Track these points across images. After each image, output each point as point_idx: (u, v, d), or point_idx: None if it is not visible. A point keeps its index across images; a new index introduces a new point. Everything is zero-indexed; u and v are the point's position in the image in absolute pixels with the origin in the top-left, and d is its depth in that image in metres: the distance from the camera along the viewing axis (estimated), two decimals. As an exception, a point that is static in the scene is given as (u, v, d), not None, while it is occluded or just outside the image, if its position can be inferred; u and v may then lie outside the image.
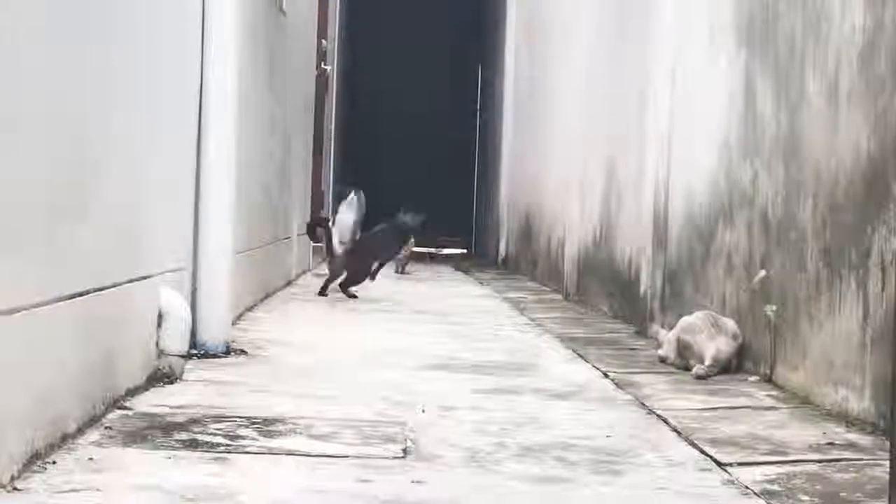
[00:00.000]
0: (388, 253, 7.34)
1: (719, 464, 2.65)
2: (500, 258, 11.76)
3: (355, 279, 6.77)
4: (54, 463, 2.32)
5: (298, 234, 8.10)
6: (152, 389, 3.25)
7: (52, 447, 2.38)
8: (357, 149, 14.85)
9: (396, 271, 9.12)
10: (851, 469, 2.63)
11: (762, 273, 3.96)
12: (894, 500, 2.00)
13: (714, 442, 2.87)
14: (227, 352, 4.07)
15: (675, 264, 5.11)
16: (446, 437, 2.81)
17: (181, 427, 2.77)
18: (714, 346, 3.99)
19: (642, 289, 5.60)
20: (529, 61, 10.61)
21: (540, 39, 9.98)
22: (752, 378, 3.93)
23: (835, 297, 3.36)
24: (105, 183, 2.83)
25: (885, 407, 2.94)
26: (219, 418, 2.89)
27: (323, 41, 9.54)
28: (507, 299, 7.30)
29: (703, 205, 4.73)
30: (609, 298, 6.42)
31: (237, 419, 2.89)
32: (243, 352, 4.14)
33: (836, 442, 2.92)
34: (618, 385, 3.80)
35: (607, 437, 2.92)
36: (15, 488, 2.12)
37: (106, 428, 2.69)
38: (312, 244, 9.14)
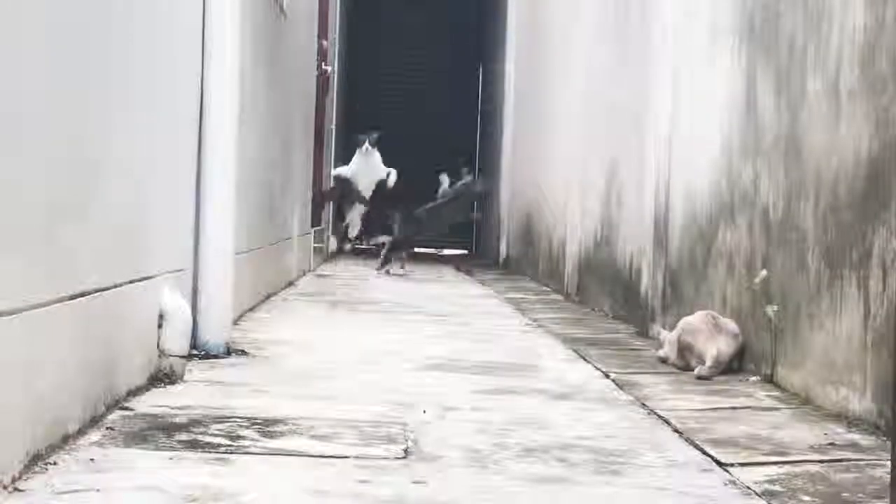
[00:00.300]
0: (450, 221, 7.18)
1: (720, 464, 2.64)
2: (500, 258, 11.76)
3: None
4: (55, 464, 2.32)
5: (299, 235, 8.10)
6: (153, 390, 3.25)
7: (52, 448, 2.38)
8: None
9: (380, 270, 9.12)
10: (853, 469, 2.62)
11: (763, 273, 3.96)
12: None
13: (715, 442, 2.87)
14: (228, 352, 4.07)
15: (676, 264, 5.11)
16: (447, 438, 2.81)
17: (182, 428, 2.76)
18: (715, 347, 3.99)
19: (643, 289, 5.60)
20: (530, 61, 10.61)
21: (540, 40, 9.98)
22: (753, 378, 3.93)
23: (836, 297, 3.36)
24: (105, 183, 2.83)
25: (887, 407, 2.94)
26: (220, 419, 2.89)
27: (323, 41, 9.54)
28: (507, 300, 7.30)
29: (704, 205, 4.73)
30: (610, 299, 6.42)
31: (238, 420, 2.89)
32: (244, 352, 4.14)
33: (838, 442, 2.92)
34: (618, 385, 3.80)
35: (608, 437, 2.92)
36: (16, 489, 2.11)
37: (107, 429, 2.69)
38: (315, 243, 9.13)
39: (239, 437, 2.69)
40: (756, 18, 4.19)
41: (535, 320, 5.96)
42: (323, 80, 9.65)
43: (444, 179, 11.11)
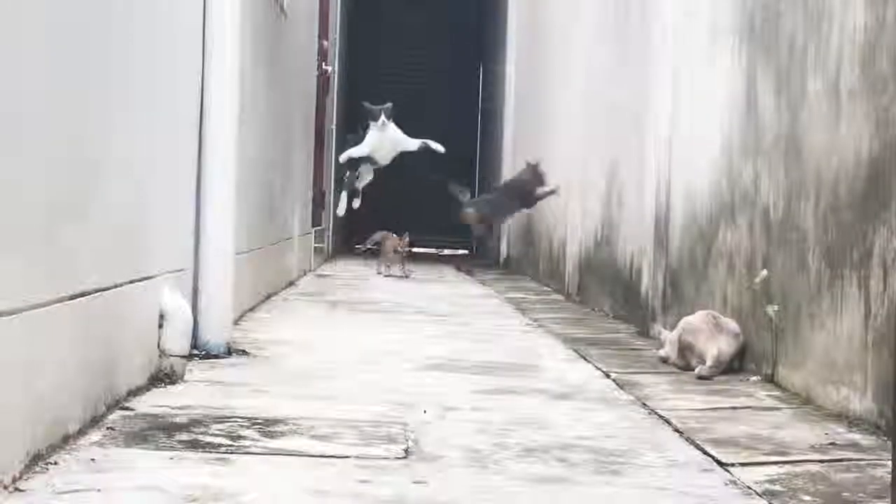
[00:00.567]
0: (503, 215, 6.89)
1: (721, 464, 2.64)
2: (501, 258, 11.76)
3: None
4: (56, 463, 2.32)
5: (299, 235, 8.10)
6: (154, 390, 3.25)
7: (53, 448, 2.38)
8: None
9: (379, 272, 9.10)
10: (853, 469, 2.62)
11: (764, 273, 3.96)
12: (897, 500, 2.00)
13: (716, 442, 2.86)
14: (229, 352, 4.07)
15: (677, 264, 5.11)
16: (447, 438, 2.81)
17: (183, 427, 2.76)
18: (715, 347, 3.99)
19: (643, 289, 5.60)
20: (530, 61, 10.61)
21: (540, 40, 9.98)
22: (754, 378, 3.93)
23: (836, 296, 3.36)
24: (105, 183, 2.83)
25: (887, 407, 2.94)
26: (220, 419, 2.89)
27: (324, 41, 9.54)
28: (508, 299, 7.30)
29: (705, 205, 4.73)
30: (610, 299, 6.42)
31: (238, 420, 2.89)
32: (244, 352, 4.14)
33: (838, 442, 2.92)
34: (619, 385, 3.80)
35: (608, 437, 2.92)
36: (17, 489, 2.11)
37: (107, 428, 2.69)
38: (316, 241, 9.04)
39: (239, 437, 2.69)
40: (756, 18, 4.19)
41: (535, 320, 5.96)
42: (323, 80, 9.65)
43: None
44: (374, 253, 9.45)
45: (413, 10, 16.06)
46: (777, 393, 3.67)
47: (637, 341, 5.10)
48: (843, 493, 2.40)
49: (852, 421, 3.16)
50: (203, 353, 3.97)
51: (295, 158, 7.78)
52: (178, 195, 3.81)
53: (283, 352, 4.27)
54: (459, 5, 16.06)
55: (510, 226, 11.46)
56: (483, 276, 9.81)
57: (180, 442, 2.61)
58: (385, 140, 7.64)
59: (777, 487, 2.43)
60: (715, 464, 2.65)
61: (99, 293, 2.74)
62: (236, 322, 4.66)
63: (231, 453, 2.53)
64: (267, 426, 2.83)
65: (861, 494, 2.40)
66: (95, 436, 2.60)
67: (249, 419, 2.91)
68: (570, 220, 7.87)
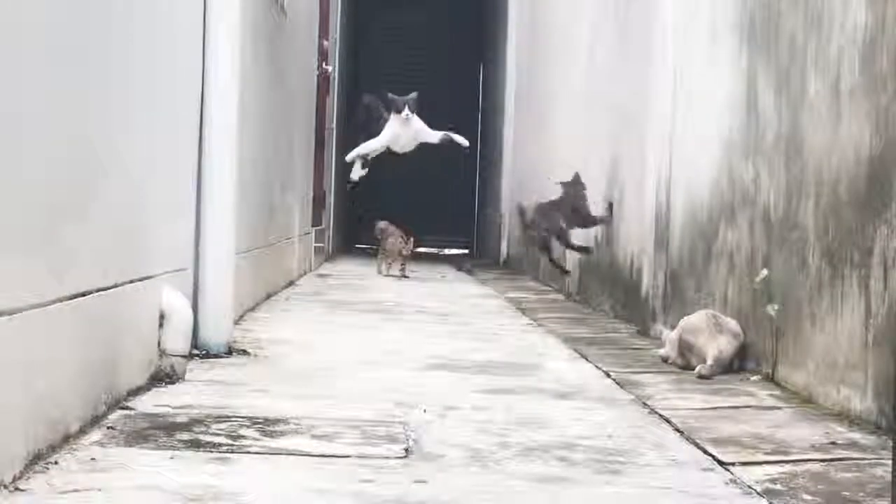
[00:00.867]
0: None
1: (721, 463, 2.64)
2: (501, 258, 11.76)
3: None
4: (56, 463, 2.32)
5: (300, 235, 8.10)
6: (154, 390, 3.25)
7: (53, 447, 2.38)
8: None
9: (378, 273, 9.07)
10: (854, 468, 2.62)
11: (764, 272, 3.96)
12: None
13: (716, 441, 2.86)
14: (229, 352, 4.07)
15: (677, 264, 5.11)
16: (448, 437, 2.81)
17: (183, 427, 2.76)
18: (716, 346, 3.99)
19: (644, 288, 5.60)
20: (530, 61, 10.61)
21: (541, 39, 9.98)
22: (754, 377, 3.93)
23: (837, 296, 3.36)
24: (105, 183, 2.83)
25: (888, 406, 2.94)
26: (221, 418, 2.89)
27: (324, 41, 9.54)
28: (508, 299, 7.30)
29: (705, 204, 4.73)
30: (611, 298, 6.42)
31: (239, 419, 2.89)
32: (245, 352, 4.14)
33: (839, 441, 2.92)
34: (619, 385, 3.80)
35: (609, 436, 2.92)
36: (17, 488, 2.12)
37: (108, 428, 2.69)
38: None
39: (240, 437, 2.69)
40: (756, 17, 4.19)
41: (535, 320, 5.96)
42: (323, 80, 9.65)
43: None
44: (373, 254, 9.42)
45: (413, 10, 16.05)
46: (777, 392, 3.67)
47: (637, 341, 5.10)
48: (844, 493, 2.40)
49: (853, 420, 3.16)
50: (203, 352, 3.97)
51: (295, 158, 7.78)
52: (178, 195, 3.81)
53: (284, 351, 4.27)
54: (459, 5, 16.06)
55: (511, 225, 11.46)
56: (483, 275, 9.81)
57: (181, 441, 2.61)
58: (406, 135, 7.14)
59: (777, 487, 2.43)
60: (715, 463, 2.65)
61: (99, 293, 2.74)
62: (237, 322, 4.66)
63: (231, 453, 2.53)
64: (267, 426, 2.83)
65: (861, 494, 2.39)
66: (96, 435, 2.60)
67: (250, 419, 2.91)
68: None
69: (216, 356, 3.98)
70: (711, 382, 3.86)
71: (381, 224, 9.23)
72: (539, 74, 9.94)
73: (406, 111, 6.60)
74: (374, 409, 3.14)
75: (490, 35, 14.59)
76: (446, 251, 14.38)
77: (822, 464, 2.66)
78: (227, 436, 2.69)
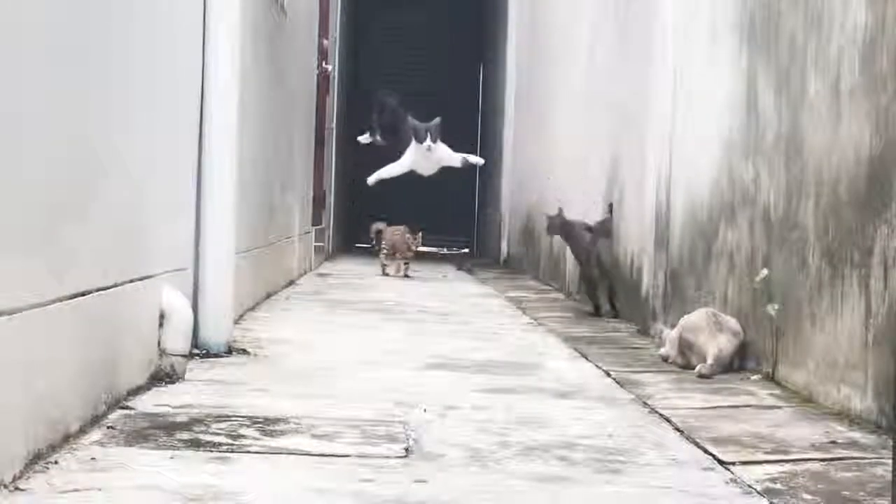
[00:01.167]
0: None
1: (722, 463, 2.64)
2: (502, 257, 11.76)
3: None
4: (56, 463, 2.32)
5: (300, 234, 8.10)
6: (154, 389, 3.25)
7: (53, 447, 2.38)
8: (358, 148, 14.83)
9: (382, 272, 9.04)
10: (854, 468, 2.62)
11: (764, 272, 3.95)
12: (897, 498, 2.00)
13: (716, 441, 2.86)
14: (229, 351, 4.07)
15: (677, 263, 5.11)
16: (448, 437, 2.81)
17: (183, 427, 2.76)
18: (716, 345, 3.99)
19: (644, 288, 5.60)
20: (530, 61, 10.62)
21: (541, 39, 9.98)
22: (755, 377, 3.93)
23: (837, 295, 3.36)
24: (105, 183, 2.83)
25: (888, 405, 2.94)
26: (221, 418, 2.89)
27: (324, 40, 9.54)
28: (508, 298, 7.30)
29: (705, 204, 4.73)
30: (610, 297, 6.41)
31: (239, 419, 2.89)
32: (245, 351, 4.14)
33: (839, 440, 2.92)
34: (620, 384, 3.80)
35: (609, 436, 2.92)
36: (17, 488, 2.12)
37: (108, 428, 2.69)
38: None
39: (240, 436, 2.69)
40: (756, 17, 4.19)
41: (536, 319, 5.96)
42: (323, 79, 9.65)
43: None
44: (373, 253, 9.40)
45: (413, 10, 16.05)
46: (778, 391, 3.67)
47: (638, 340, 5.10)
48: (844, 492, 2.40)
49: (853, 419, 3.16)
50: (203, 352, 3.97)
51: (295, 157, 7.78)
52: (178, 194, 3.81)
53: (284, 351, 4.27)
54: (459, 5, 16.06)
55: (511, 224, 11.46)
56: (483, 274, 9.80)
57: (181, 441, 2.61)
58: (429, 161, 6.92)
59: (778, 486, 2.43)
60: (716, 462, 2.65)
61: (99, 293, 2.74)
62: (237, 321, 4.66)
63: (231, 452, 2.53)
64: (267, 425, 2.83)
65: (861, 493, 2.40)
66: (96, 435, 2.60)
67: (250, 418, 2.91)
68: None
69: (216, 356, 3.98)
70: (712, 382, 3.86)
71: (379, 225, 9.22)
72: (539, 74, 9.93)
73: (428, 141, 6.37)
74: (375, 409, 3.14)
75: (490, 35, 14.59)
76: (446, 251, 14.38)
77: (822, 463, 2.67)
78: (227, 435, 2.69)
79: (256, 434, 2.73)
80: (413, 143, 7.11)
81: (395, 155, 8.60)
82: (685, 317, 4.23)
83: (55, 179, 2.44)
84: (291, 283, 7.54)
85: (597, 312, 6.21)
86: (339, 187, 12.32)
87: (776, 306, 3.81)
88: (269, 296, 6.31)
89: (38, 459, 2.28)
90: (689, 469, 2.59)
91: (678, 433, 3.00)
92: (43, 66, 2.33)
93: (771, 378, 3.85)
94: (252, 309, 5.56)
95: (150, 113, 3.32)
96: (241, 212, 4.51)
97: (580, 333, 5.33)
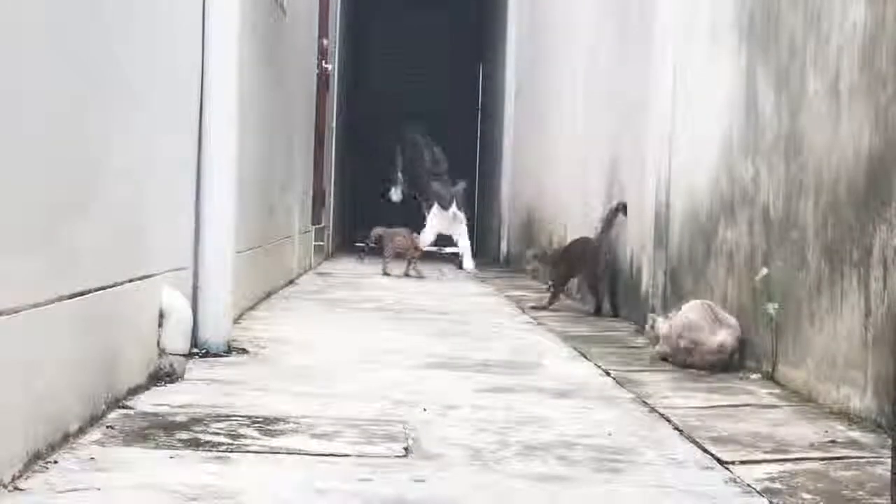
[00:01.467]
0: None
1: (721, 462, 2.64)
2: (501, 257, 11.76)
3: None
4: (56, 462, 2.32)
5: (300, 233, 8.10)
6: (154, 388, 3.25)
7: (53, 447, 2.38)
8: (358, 147, 14.85)
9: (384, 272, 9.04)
10: (853, 467, 2.62)
11: (764, 271, 3.96)
12: (896, 497, 2.00)
13: (716, 440, 2.87)
14: (229, 351, 4.07)
15: (677, 262, 5.11)
16: (448, 436, 2.81)
17: (183, 426, 2.76)
18: (718, 341, 4.00)
19: (644, 287, 5.60)
20: (530, 60, 10.61)
21: (541, 38, 9.97)
22: (754, 376, 3.93)
23: (836, 294, 3.36)
24: (105, 182, 2.83)
25: (888, 404, 2.94)
26: (220, 417, 2.89)
27: (324, 40, 9.54)
28: (508, 297, 7.30)
29: (705, 203, 4.73)
30: (610, 296, 6.41)
31: (238, 418, 2.89)
32: (244, 351, 4.14)
33: (838, 440, 2.92)
34: (619, 383, 3.80)
35: (609, 435, 2.92)
36: (16, 488, 2.12)
37: (107, 427, 2.69)
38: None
39: (239, 436, 2.69)
40: (756, 16, 4.19)
41: (535, 318, 5.96)
42: (323, 79, 9.65)
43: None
44: (377, 251, 9.39)
45: (413, 10, 16.06)
46: (777, 391, 3.68)
47: (637, 339, 5.10)
48: (843, 491, 2.40)
49: (852, 419, 3.16)
50: (203, 351, 3.97)
51: (295, 156, 7.78)
52: (178, 194, 3.81)
53: (284, 350, 4.27)
54: (459, 5, 16.06)
55: (511, 224, 11.46)
56: (483, 273, 9.80)
57: (180, 440, 2.61)
58: (453, 223, 7.06)
59: (777, 485, 2.43)
60: (715, 462, 2.65)
61: (98, 292, 2.74)
62: (236, 320, 4.66)
63: (231, 452, 2.53)
64: (267, 425, 2.83)
65: (861, 492, 2.40)
66: (95, 434, 2.60)
67: (249, 418, 2.91)
68: (570, 218, 7.87)
69: (216, 355, 3.98)
70: (711, 381, 3.86)
71: (378, 230, 9.23)
72: (539, 74, 9.93)
73: (454, 207, 6.36)
74: (374, 408, 3.14)
75: (490, 35, 14.59)
76: (446, 250, 14.36)
77: (821, 462, 2.67)
78: (227, 435, 2.69)
79: (256, 434, 2.73)
80: (437, 210, 7.18)
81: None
82: (683, 314, 4.21)
83: (55, 179, 2.44)
84: (291, 282, 7.54)
85: (598, 311, 6.21)
86: (339, 186, 12.32)
87: (775, 305, 3.81)
88: (268, 295, 6.31)
89: (37, 459, 2.28)
90: (689, 468, 2.59)
91: (678, 432, 3.00)
92: (43, 66, 2.33)
93: (770, 377, 3.86)
94: (252, 308, 5.56)
95: (150, 112, 3.32)
96: (241, 211, 4.51)
97: (579, 332, 5.33)
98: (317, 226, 9.48)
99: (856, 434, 2.99)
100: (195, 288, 4.01)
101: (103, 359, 2.82)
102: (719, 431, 2.98)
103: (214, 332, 4.04)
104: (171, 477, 2.27)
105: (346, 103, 13.09)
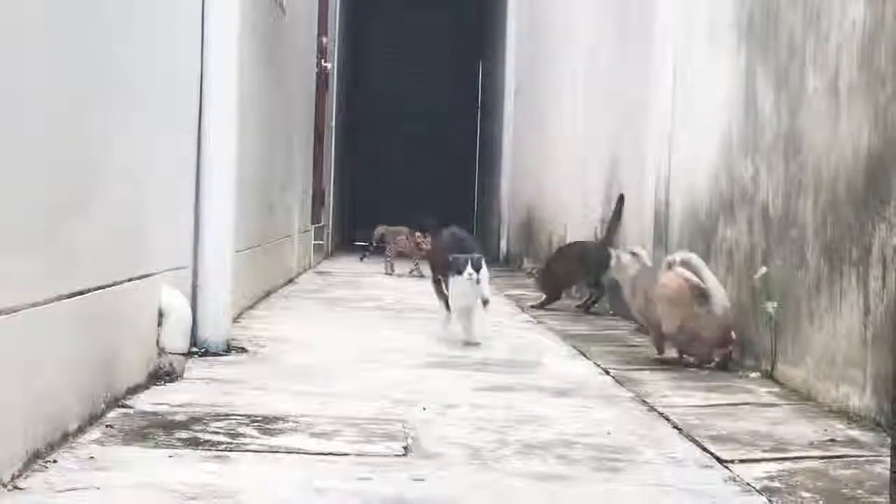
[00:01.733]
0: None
1: (720, 461, 2.64)
2: (501, 255, 11.77)
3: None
4: (55, 461, 2.32)
5: (299, 232, 8.10)
6: (153, 388, 3.25)
7: (52, 446, 2.38)
8: (358, 147, 14.85)
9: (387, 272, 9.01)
10: (853, 465, 2.63)
11: (763, 270, 3.96)
12: (895, 496, 2.00)
13: (715, 439, 2.87)
14: (228, 350, 4.07)
15: (676, 261, 5.11)
16: (447, 435, 2.81)
17: (182, 425, 2.77)
18: (710, 307, 4.02)
19: (643, 286, 5.60)
20: (530, 59, 10.61)
21: (541, 37, 9.97)
22: (753, 374, 3.94)
23: (836, 293, 3.36)
24: (105, 182, 2.83)
25: (887, 403, 2.94)
26: (219, 416, 2.89)
27: (323, 39, 9.54)
28: (507, 296, 7.30)
29: (704, 201, 4.73)
30: (610, 295, 6.41)
31: (238, 417, 2.89)
32: (244, 350, 4.14)
33: (838, 438, 2.92)
34: (618, 382, 3.80)
35: (608, 434, 2.92)
36: (16, 487, 2.12)
37: (107, 426, 2.69)
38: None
39: (239, 435, 2.69)
40: (755, 15, 4.19)
41: (534, 317, 5.96)
42: (323, 78, 9.65)
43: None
44: (380, 251, 9.38)
45: (413, 10, 16.06)
46: (776, 389, 3.68)
47: (637, 338, 5.10)
48: (843, 490, 2.40)
49: (851, 417, 3.16)
50: (202, 350, 3.98)
51: (295, 156, 7.78)
52: (177, 193, 3.81)
53: (283, 349, 4.27)
54: (459, 5, 16.06)
55: (510, 223, 11.46)
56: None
57: (179, 440, 2.61)
58: (473, 288, 7.01)
59: (776, 484, 2.44)
60: (714, 460, 2.65)
61: (98, 291, 2.74)
62: (236, 320, 4.66)
63: (230, 451, 2.53)
64: (266, 424, 2.83)
65: (860, 491, 2.40)
66: (95, 434, 2.61)
67: (249, 417, 2.91)
68: (570, 217, 7.87)
69: (215, 354, 3.98)
70: (710, 379, 3.87)
71: (381, 228, 9.22)
72: (539, 73, 9.93)
73: (469, 269, 6.30)
74: (373, 407, 3.14)
75: (489, 34, 14.59)
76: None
77: (820, 461, 2.67)
78: (226, 434, 2.69)
79: (255, 433, 2.73)
80: (454, 278, 7.16)
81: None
82: (674, 311, 4.16)
83: (55, 179, 2.44)
84: (290, 281, 7.55)
85: (591, 305, 6.27)
86: (339, 185, 12.32)
87: (775, 304, 3.81)
88: (268, 294, 6.31)
89: (36, 458, 2.28)
90: (688, 467, 2.60)
91: (677, 431, 3.00)
92: (43, 66, 2.33)
93: (769, 376, 3.86)
94: (251, 307, 5.56)
95: (150, 112, 3.32)
96: (241, 210, 4.51)
97: (579, 331, 5.33)
98: (316, 225, 9.48)
99: (855, 432, 2.99)
100: (194, 287, 4.01)
101: (103, 358, 2.82)
102: (718, 430, 2.99)
103: (214, 331, 4.05)
104: (170, 476, 2.27)
105: (345, 102, 13.08)
